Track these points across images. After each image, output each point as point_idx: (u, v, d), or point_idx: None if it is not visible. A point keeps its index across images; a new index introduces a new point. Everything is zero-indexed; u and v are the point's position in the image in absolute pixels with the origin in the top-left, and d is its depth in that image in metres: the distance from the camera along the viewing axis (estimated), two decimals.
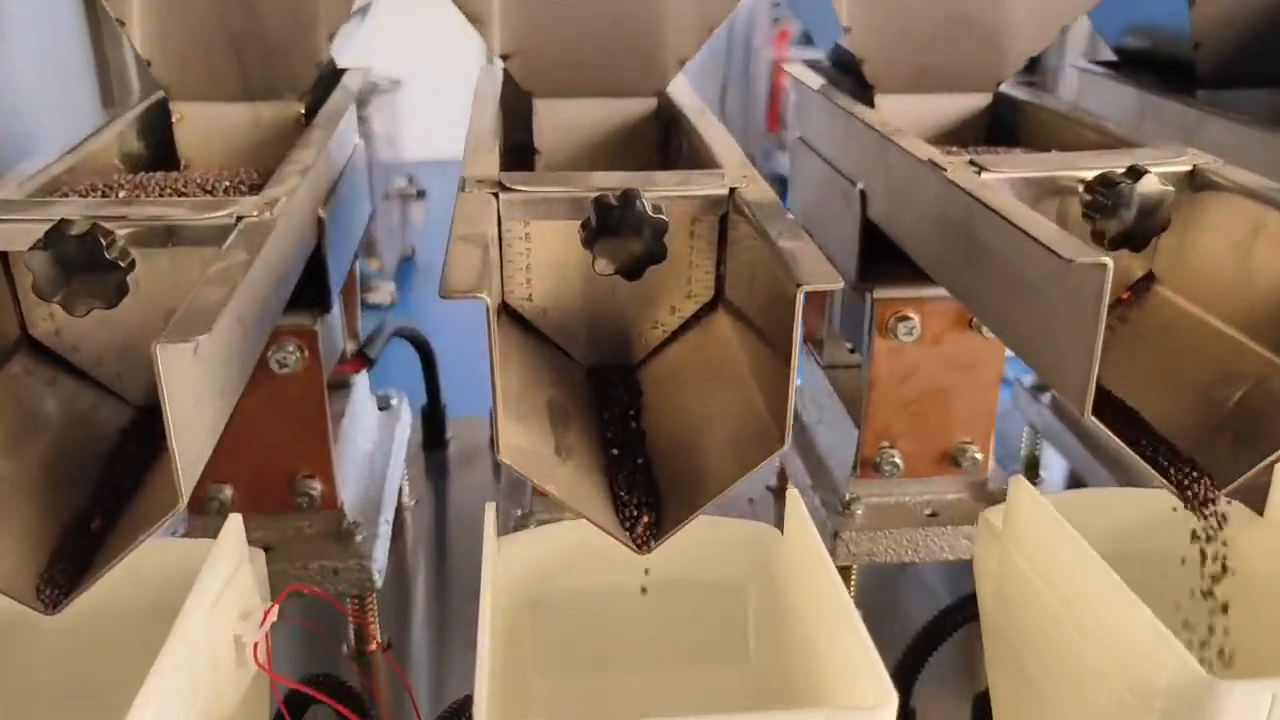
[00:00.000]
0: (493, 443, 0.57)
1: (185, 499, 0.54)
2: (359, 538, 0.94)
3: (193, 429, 0.55)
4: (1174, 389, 0.70)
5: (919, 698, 0.83)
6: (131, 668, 0.65)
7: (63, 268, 0.61)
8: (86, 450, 0.68)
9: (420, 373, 1.32)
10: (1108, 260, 0.55)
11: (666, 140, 0.96)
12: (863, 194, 0.92)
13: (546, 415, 0.65)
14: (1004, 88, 0.98)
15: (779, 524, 1.20)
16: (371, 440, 1.10)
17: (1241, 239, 0.69)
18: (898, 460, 0.99)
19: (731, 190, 0.70)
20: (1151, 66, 1.08)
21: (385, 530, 0.98)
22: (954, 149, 0.91)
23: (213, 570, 0.56)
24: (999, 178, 0.71)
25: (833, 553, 0.97)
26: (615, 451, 0.66)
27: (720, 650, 0.71)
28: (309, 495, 0.93)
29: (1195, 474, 0.62)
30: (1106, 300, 0.55)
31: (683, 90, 0.95)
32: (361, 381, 1.10)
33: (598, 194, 0.65)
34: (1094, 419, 0.59)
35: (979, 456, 0.99)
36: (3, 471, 0.61)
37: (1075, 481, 1.24)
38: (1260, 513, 0.69)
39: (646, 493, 0.63)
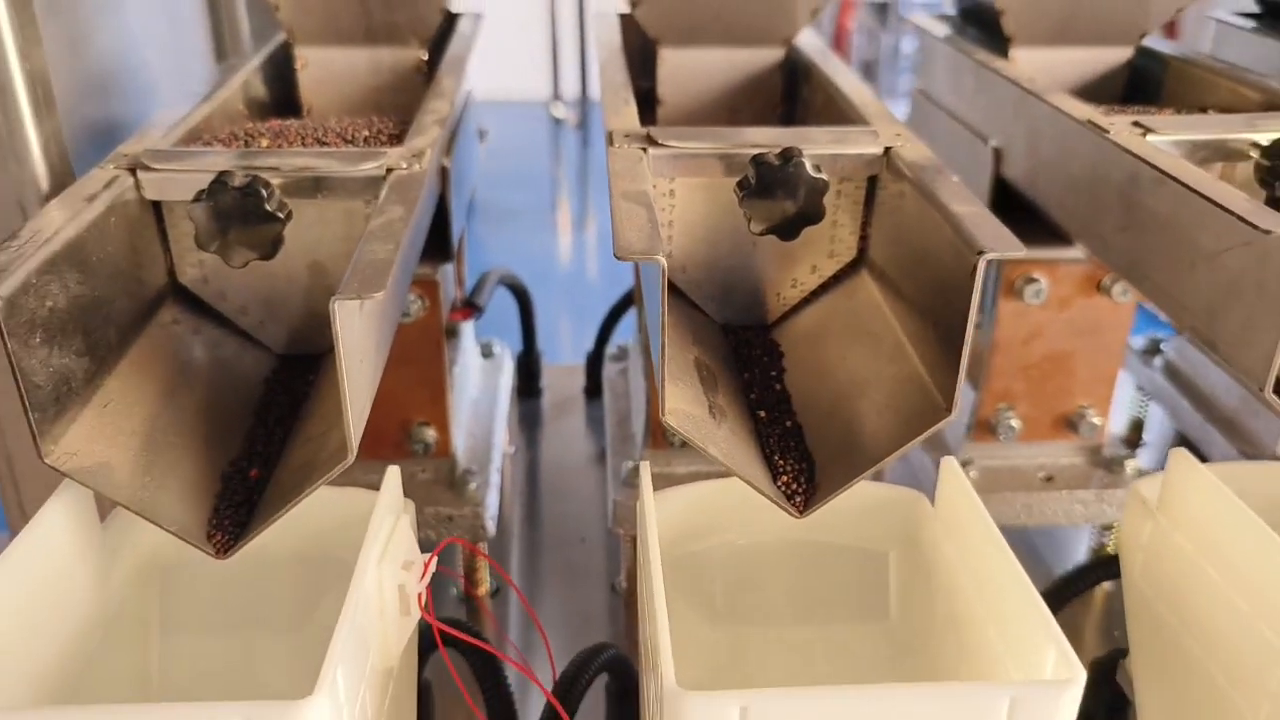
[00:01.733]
0: (659, 405, 0.57)
1: (354, 451, 0.55)
2: (472, 485, 0.94)
3: (361, 382, 0.56)
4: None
5: None
6: (287, 609, 0.66)
7: (222, 219, 0.61)
8: (234, 398, 0.68)
9: (515, 322, 1.32)
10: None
11: (793, 93, 0.94)
12: (996, 151, 0.89)
13: (696, 376, 0.65)
14: (1147, 41, 0.95)
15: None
16: (477, 389, 1.11)
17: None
18: (1014, 423, 0.97)
19: (887, 150, 0.68)
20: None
21: (496, 478, 0.99)
22: (1105, 107, 0.89)
23: (379, 521, 0.57)
24: (1166, 140, 0.69)
25: None
26: (761, 413, 0.66)
27: (860, 610, 0.71)
28: (424, 443, 0.94)
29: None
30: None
31: (811, 41, 0.93)
32: (468, 330, 1.10)
33: (758, 152, 0.64)
34: (1274, 397, 0.57)
35: (1097, 422, 0.98)
36: (163, 419, 0.62)
37: (1185, 445, 1.22)
38: None
39: (800, 457, 0.62)
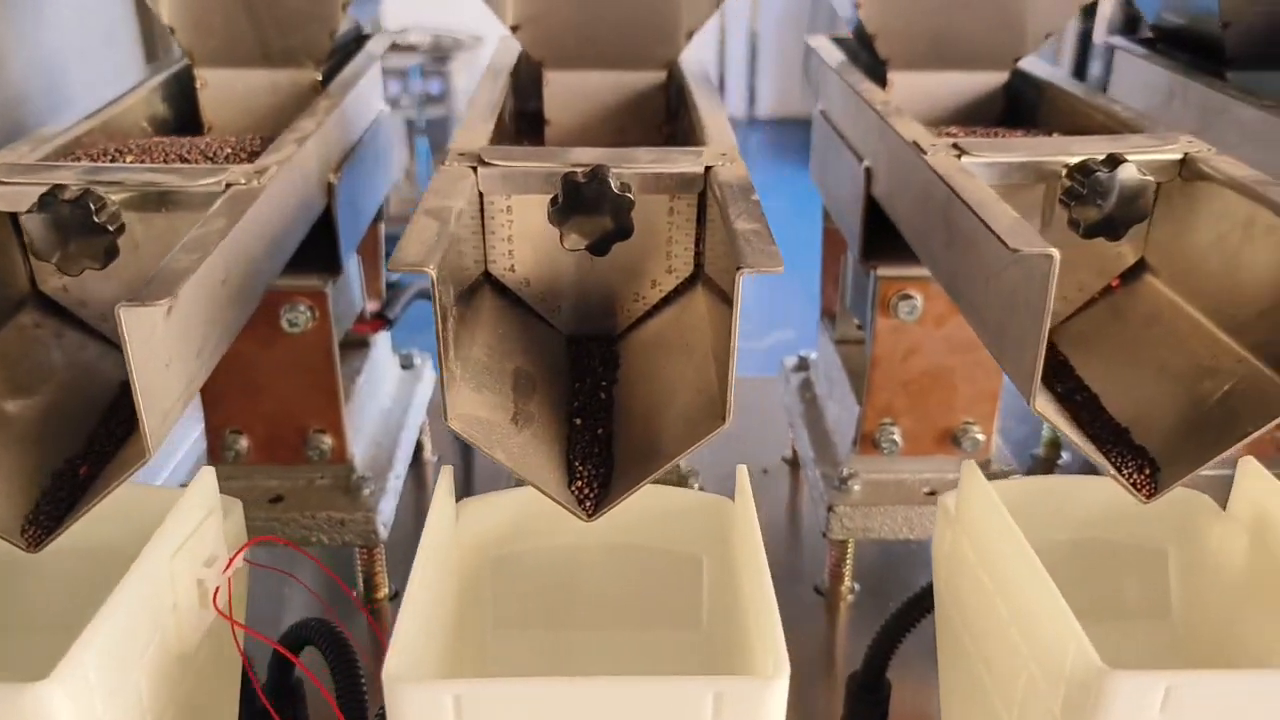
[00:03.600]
0: (444, 411, 0.59)
1: (152, 453, 0.57)
2: (366, 491, 0.97)
3: (161, 388, 0.58)
4: (1151, 380, 0.68)
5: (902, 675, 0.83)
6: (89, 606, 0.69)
7: (58, 230, 0.64)
8: (86, 402, 0.71)
9: None
10: (1053, 252, 0.54)
11: (675, 113, 0.96)
12: (867, 170, 0.90)
13: (510, 383, 0.67)
14: (1025, 66, 0.96)
15: (792, 494, 1.23)
16: (390, 398, 1.13)
17: (1228, 234, 0.67)
18: (897, 438, 0.98)
19: (707, 169, 0.69)
20: (1185, 45, 1.04)
21: (395, 485, 1.01)
22: (955, 130, 0.89)
23: (179, 516, 0.59)
24: (979, 162, 0.70)
25: (828, 526, 0.97)
26: (577, 420, 0.67)
27: (674, 616, 0.73)
28: (320, 449, 0.97)
29: (1142, 464, 0.61)
30: (1052, 291, 0.54)
31: (691, 63, 0.95)
32: (382, 341, 1.12)
33: (566, 171, 0.66)
34: (1038, 410, 0.58)
35: (981, 437, 0.98)
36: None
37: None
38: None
39: (600, 462, 0.64)
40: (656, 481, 0.62)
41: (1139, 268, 0.76)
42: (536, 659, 0.71)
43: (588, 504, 0.61)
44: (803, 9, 4.67)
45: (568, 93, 0.96)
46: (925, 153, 0.71)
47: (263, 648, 0.74)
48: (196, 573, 0.59)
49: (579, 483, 0.62)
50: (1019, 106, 0.96)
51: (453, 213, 0.62)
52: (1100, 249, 0.74)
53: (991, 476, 0.98)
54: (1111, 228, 0.67)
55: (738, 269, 0.55)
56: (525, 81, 0.99)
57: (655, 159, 0.70)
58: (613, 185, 0.65)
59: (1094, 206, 0.66)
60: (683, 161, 0.70)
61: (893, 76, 0.94)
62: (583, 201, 0.65)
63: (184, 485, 0.64)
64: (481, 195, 0.71)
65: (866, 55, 1.02)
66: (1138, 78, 1.04)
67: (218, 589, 0.60)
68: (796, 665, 0.49)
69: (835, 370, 1.10)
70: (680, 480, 0.91)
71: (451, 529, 0.65)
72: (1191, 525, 0.69)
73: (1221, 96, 0.91)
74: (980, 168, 0.69)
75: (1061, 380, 0.72)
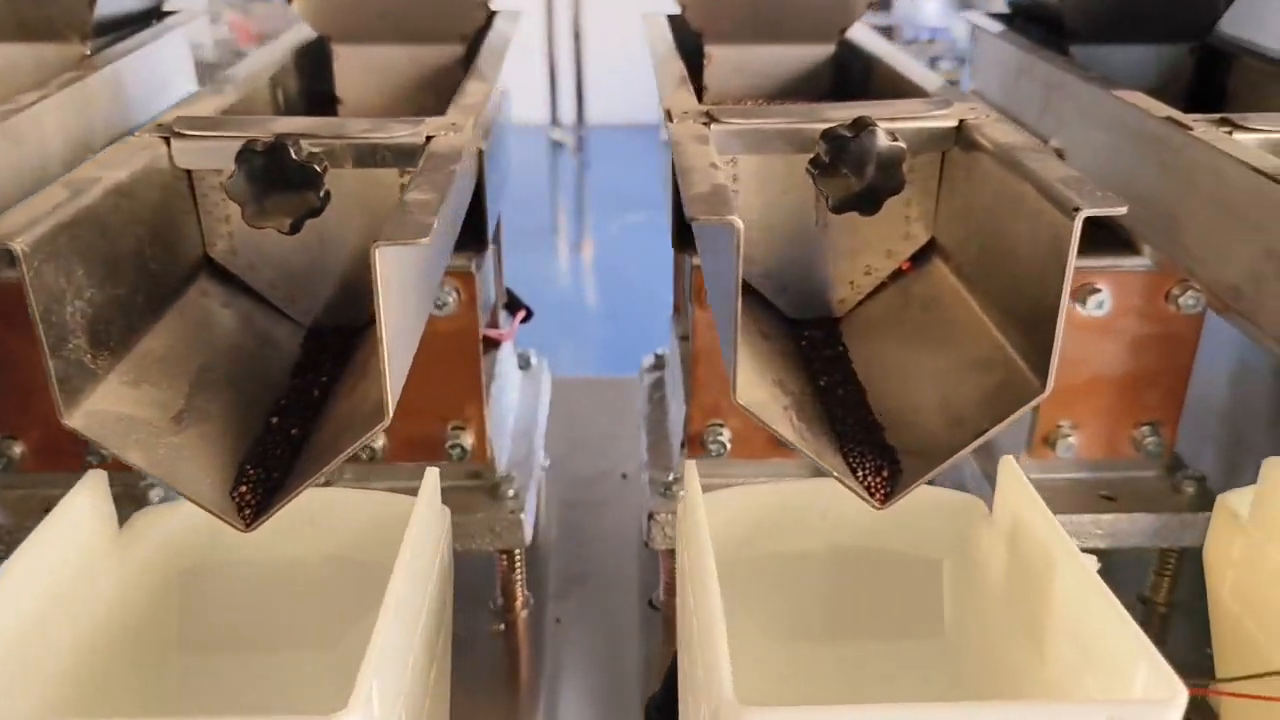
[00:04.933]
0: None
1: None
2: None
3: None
4: (917, 373, 0.60)
5: None
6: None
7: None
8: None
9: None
10: (736, 221, 0.46)
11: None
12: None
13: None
14: (856, 37, 0.88)
15: None
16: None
17: (996, 209, 0.58)
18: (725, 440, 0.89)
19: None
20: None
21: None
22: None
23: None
24: (727, 130, 0.62)
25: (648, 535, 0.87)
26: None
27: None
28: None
29: (880, 466, 0.54)
30: (739, 267, 0.47)
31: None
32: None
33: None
34: (741, 403, 0.50)
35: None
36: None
37: None
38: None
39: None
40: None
41: (930, 249, 0.67)
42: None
43: (246, 511, 0.52)
44: None
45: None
46: (673, 121, 0.63)
47: None
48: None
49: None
50: (847, 80, 0.88)
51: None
52: (889, 229, 0.66)
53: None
54: (865, 201, 0.58)
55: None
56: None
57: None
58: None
59: (842, 177, 0.58)
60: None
61: (710, 50, 0.87)
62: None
63: None
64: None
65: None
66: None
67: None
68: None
69: (676, 368, 1.02)
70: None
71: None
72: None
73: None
74: (729, 136, 0.62)
75: (828, 373, 0.63)
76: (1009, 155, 0.55)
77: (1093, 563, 0.53)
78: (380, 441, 0.88)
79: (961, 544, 0.61)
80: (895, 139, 0.57)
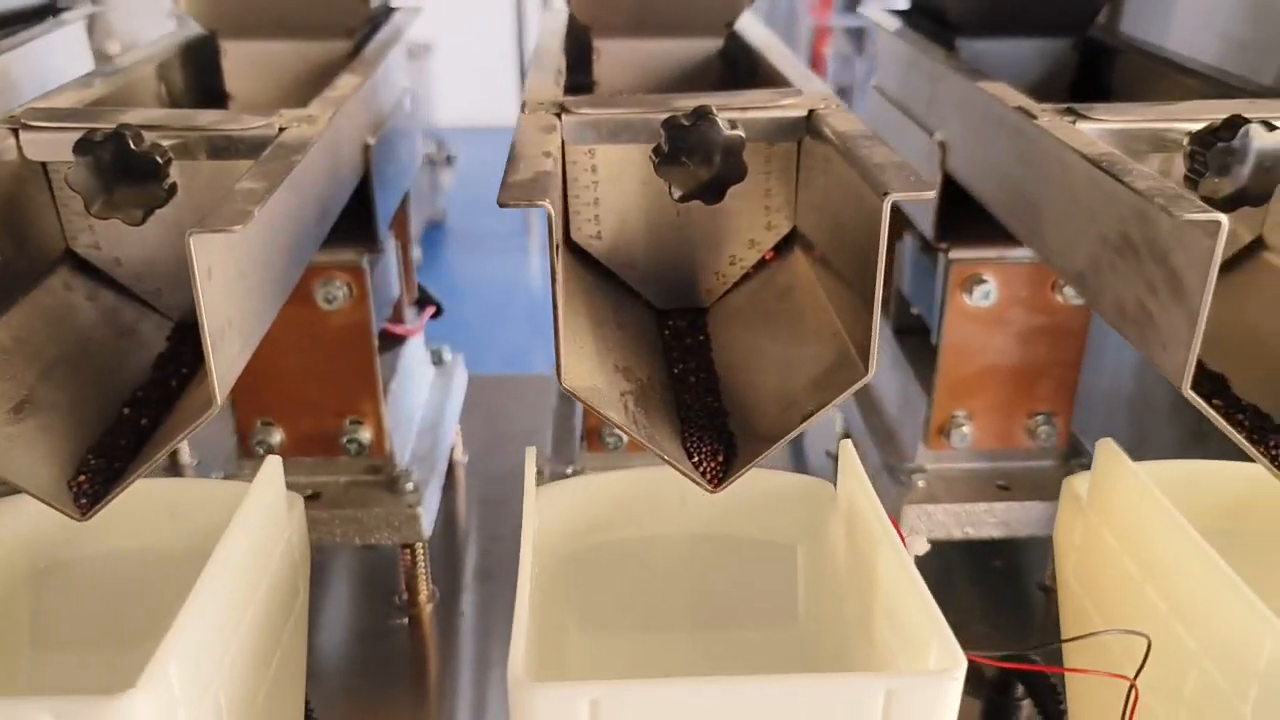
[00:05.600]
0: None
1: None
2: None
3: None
4: (769, 359, 0.61)
5: None
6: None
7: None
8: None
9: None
10: (548, 206, 0.46)
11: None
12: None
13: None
14: (744, 31, 0.87)
15: None
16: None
17: (836, 196, 0.58)
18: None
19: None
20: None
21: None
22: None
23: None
24: (578, 120, 0.61)
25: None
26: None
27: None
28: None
29: (716, 451, 0.54)
30: (558, 253, 0.47)
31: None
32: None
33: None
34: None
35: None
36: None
37: None
38: None
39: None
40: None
41: (792, 238, 0.68)
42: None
43: (83, 500, 0.51)
44: None
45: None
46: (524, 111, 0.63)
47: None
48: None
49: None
50: (736, 73, 0.88)
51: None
52: (751, 219, 0.66)
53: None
54: (709, 190, 0.58)
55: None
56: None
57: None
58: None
59: (682, 166, 0.58)
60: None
61: (599, 44, 0.87)
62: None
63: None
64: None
65: (927, 24, 0.96)
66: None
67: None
68: None
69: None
70: None
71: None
72: None
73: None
74: (581, 127, 0.61)
75: (685, 361, 0.64)
76: (844, 143, 0.56)
77: (921, 545, 0.54)
78: (277, 438, 0.88)
79: (813, 529, 0.61)
80: (735, 127, 0.57)
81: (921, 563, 0.93)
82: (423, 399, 1.03)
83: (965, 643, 0.43)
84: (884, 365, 1.05)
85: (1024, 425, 0.92)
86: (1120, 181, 0.52)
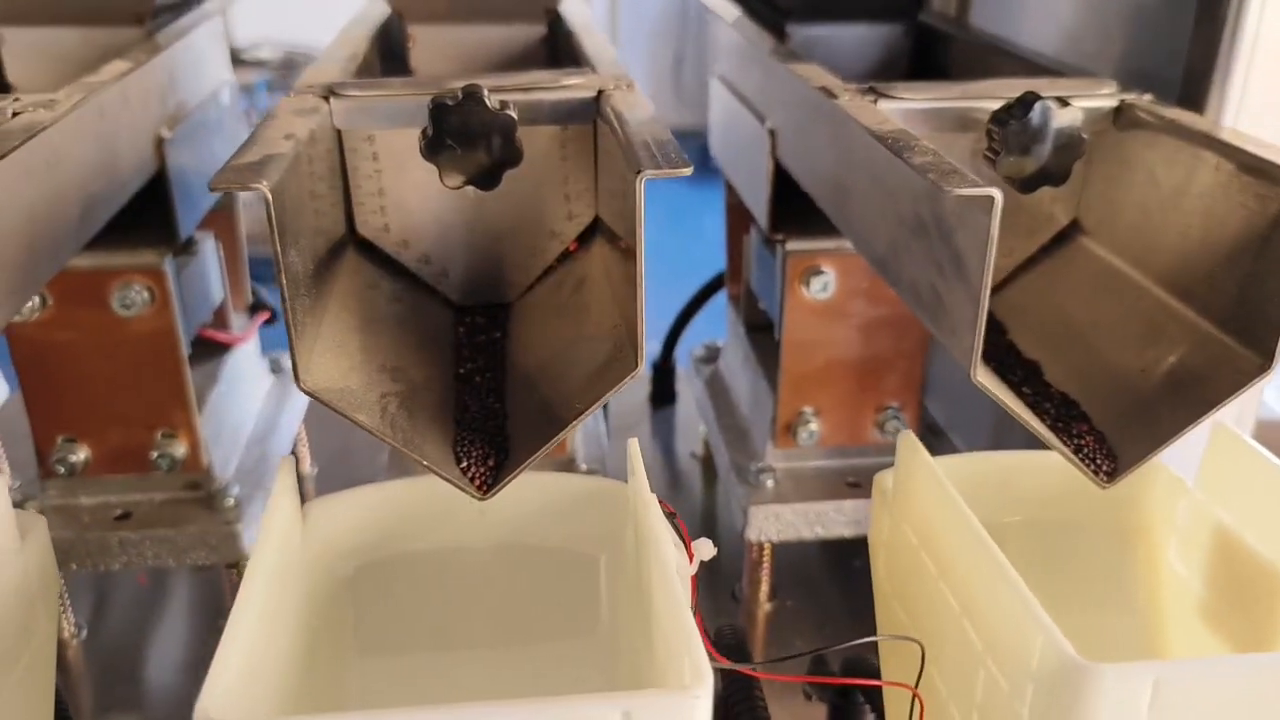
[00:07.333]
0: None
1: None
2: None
3: None
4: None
5: None
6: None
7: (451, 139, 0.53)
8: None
9: None
10: (264, 189, 0.43)
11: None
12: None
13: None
14: (564, 13, 0.84)
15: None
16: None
17: (612, 179, 0.56)
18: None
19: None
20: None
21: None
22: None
23: None
24: (346, 104, 0.57)
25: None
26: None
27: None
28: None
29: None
30: (277, 239, 0.44)
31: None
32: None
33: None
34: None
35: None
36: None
37: None
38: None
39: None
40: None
41: (595, 226, 0.64)
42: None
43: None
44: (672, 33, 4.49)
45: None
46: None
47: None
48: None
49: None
50: (560, 58, 0.85)
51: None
52: (551, 209, 0.63)
53: None
54: (486, 176, 0.56)
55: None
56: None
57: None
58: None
59: (449, 149, 0.55)
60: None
61: (412, 30, 0.84)
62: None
63: None
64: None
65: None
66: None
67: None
68: None
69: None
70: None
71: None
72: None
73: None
74: (353, 112, 0.58)
75: (474, 360, 0.60)
76: (618, 123, 0.52)
77: (708, 550, 0.50)
78: (81, 455, 0.81)
79: (613, 534, 0.57)
80: (506, 107, 0.53)
81: (782, 563, 0.92)
82: (254, 410, 0.97)
83: (830, 642, 0.40)
84: (736, 363, 1.02)
85: (873, 420, 0.89)
86: (900, 158, 0.49)
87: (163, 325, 0.78)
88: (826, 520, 0.86)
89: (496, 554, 0.58)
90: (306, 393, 0.46)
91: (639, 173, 0.44)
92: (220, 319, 0.92)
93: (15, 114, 0.55)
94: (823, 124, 0.65)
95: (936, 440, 0.99)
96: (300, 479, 1.04)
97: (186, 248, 0.82)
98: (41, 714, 0.50)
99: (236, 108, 0.94)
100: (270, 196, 0.42)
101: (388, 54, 0.81)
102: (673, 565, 0.43)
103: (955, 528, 0.49)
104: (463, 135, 0.53)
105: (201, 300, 0.86)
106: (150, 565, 0.81)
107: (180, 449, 0.82)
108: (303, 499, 1.04)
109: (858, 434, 0.89)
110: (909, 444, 0.55)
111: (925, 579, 0.52)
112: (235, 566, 0.85)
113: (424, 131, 0.54)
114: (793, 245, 0.82)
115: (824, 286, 0.83)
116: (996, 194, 0.44)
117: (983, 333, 0.47)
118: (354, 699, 0.56)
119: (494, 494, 0.49)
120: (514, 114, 0.53)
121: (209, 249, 0.87)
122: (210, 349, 0.92)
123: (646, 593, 0.48)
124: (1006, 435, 0.96)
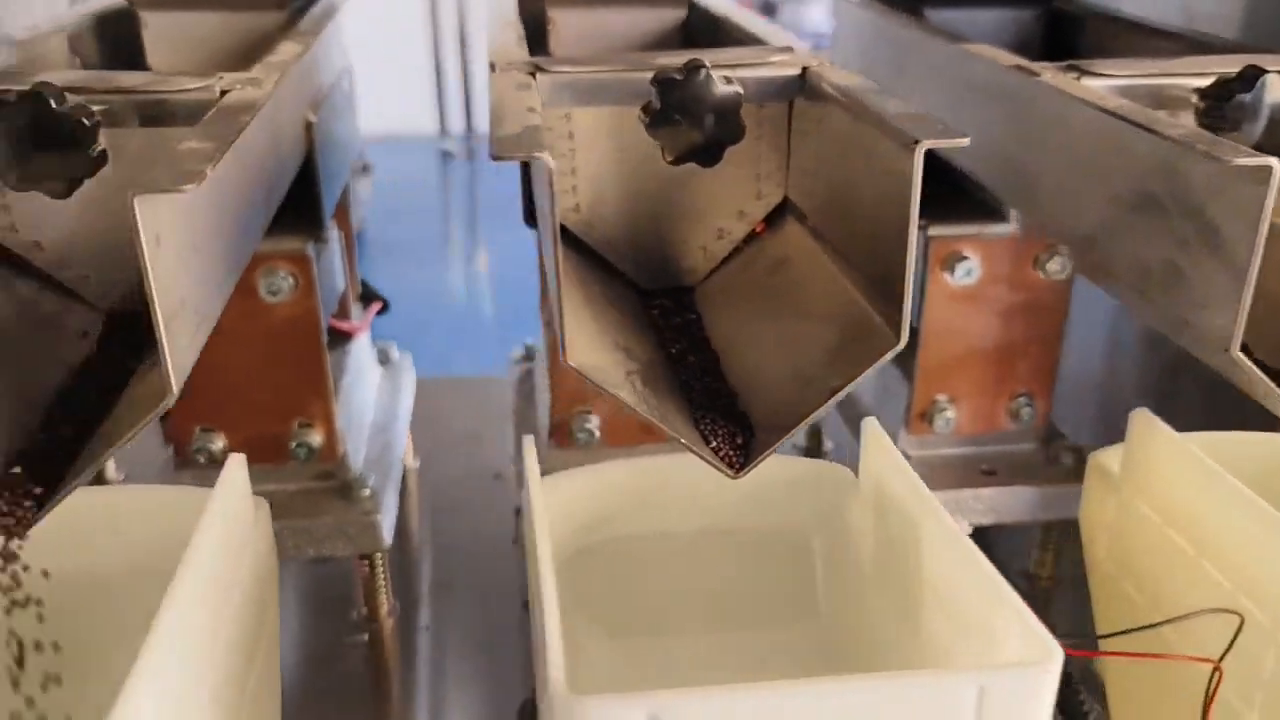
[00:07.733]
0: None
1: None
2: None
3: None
4: (773, 336, 0.57)
5: None
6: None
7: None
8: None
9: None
10: (547, 159, 0.42)
11: None
12: None
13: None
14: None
15: None
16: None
17: (842, 156, 0.54)
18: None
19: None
20: None
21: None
22: None
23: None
24: (554, 80, 0.55)
25: None
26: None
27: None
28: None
29: (733, 434, 0.50)
30: (555, 211, 0.43)
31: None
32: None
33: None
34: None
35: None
36: None
37: None
38: None
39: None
40: None
41: (784, 208, 0.63)
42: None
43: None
44: None
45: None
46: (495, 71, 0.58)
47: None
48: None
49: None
50: (698, 43, 0.83)
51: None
52: (739, 189, 0.62)
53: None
54: (705, 152, 0.54)
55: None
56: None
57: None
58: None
59: (676, 125, 0.53)
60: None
61: (552, 14, 0.83)
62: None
63: None
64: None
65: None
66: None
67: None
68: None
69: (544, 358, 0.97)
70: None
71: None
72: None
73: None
74: (558, 88, 0.56)
75: (679, 341, 0.60)
76: (852, 98, 0.51)
77: (965, 528, 0.49)
78: (219, 444, 0.80)
79: (830, 517, 0.56)
80: (731, 83, 0.52)
81: None
82: (372, 400, 0.96)
83: None
84: None
85: (1006, 407, 0.89)
86: (1152, 131, 0.48)
87: (306, 312, 0.76)
88: (966, 508, 0.85)
89: (706, 538, 0.57)
90: (574, 369, 0.45)
91: (916, 143, 0.43)
92: (343, 309, 0.91)
93: (223, 91, 0.53)
94: (1009, 103, 0.64)
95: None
96: (405, 472, 1.04)
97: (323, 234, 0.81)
98: (274, 687, 0.49)
99: (354, 93, 0.92)
100: (552, 165, 0.41)
101: (530, 39, 0.80)
102: (968, 539, 0.43)
103: (1227, 503, 0.48)
104: (687, 110, 0.52)
105: (331, 290, 0.84)
106: (289, 556, 0.80)
107: (317, 438, 0.81)
108: (406, 493, 1.03)
109: (992, 421, 0.89)
110: (1145, 421, 0.54)
111: (1174, 558, 0.51)
112: (368, 558, 0.83)
113: (647, 105, 0.53)
114: (936, 231, 0.81)
115: (968, 272, 0.82)
116: (1275, 164, 0.44)
117: (1247, 309, 0.46)
118: (589, 683, 0.55)
119: (746, 473, 0.48)
120: (739, 89, 0.52)
121: (335, 237, 0.86)
122: (333, 339, 0.91)
123: (903, 571, 0.47)
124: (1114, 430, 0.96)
